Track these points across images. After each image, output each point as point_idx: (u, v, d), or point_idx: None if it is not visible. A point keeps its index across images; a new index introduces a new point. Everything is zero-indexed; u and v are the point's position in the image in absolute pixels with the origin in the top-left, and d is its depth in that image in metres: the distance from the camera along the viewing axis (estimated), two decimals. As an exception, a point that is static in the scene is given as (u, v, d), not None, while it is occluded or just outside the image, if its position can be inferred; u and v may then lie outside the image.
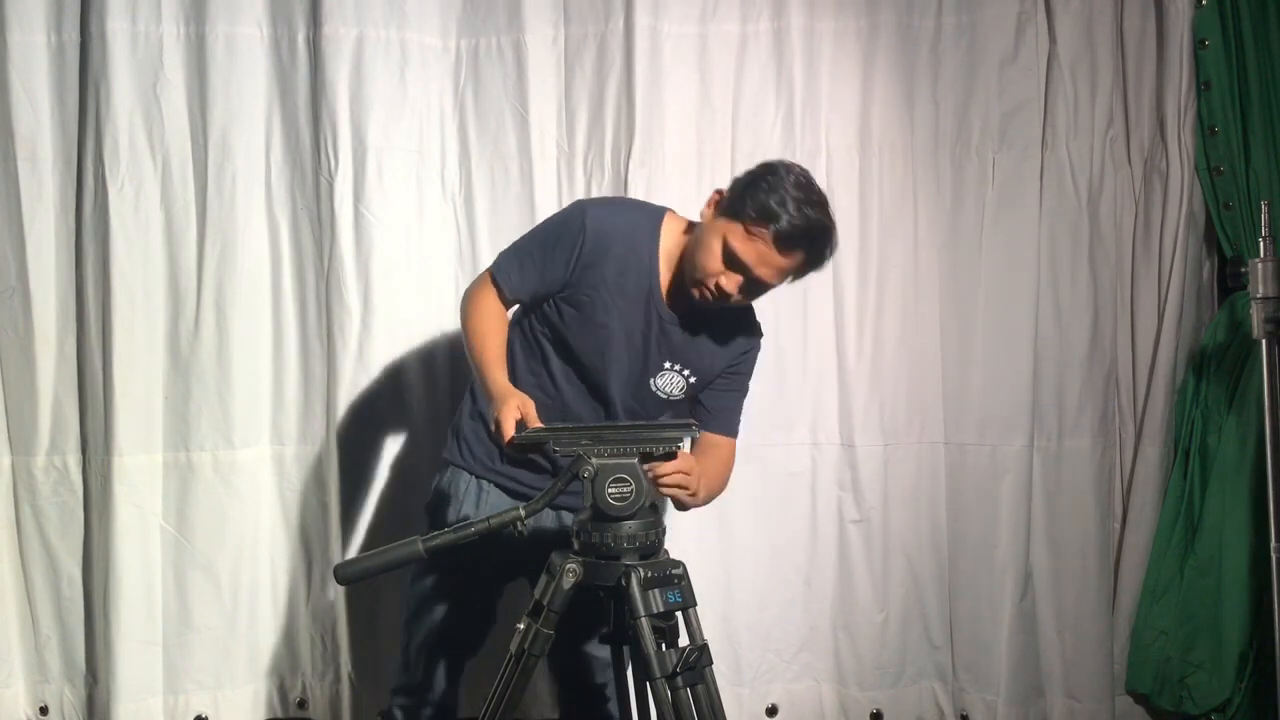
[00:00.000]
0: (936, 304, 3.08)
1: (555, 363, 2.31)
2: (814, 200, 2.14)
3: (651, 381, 2.30)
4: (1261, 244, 2.56)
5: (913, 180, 3.07)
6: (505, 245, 3.10)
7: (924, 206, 3.07)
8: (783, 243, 2.10)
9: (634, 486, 1.88)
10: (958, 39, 3.04)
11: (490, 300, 2.27)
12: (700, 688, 1.92)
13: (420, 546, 1.90)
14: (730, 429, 2.37)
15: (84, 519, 3.00)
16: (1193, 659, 3.02)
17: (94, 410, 2.97)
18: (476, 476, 2.35)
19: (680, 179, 3.02)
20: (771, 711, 3.11)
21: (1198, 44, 3.01)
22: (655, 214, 2.31)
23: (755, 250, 2.12)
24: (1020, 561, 3.04)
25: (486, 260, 3.03)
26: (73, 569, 3.01)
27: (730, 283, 2.14)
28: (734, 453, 2.38)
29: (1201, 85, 3.02)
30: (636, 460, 1.89)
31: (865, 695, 3.11)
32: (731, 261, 2.13)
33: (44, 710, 3.04)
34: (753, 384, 2.98)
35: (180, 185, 2.96)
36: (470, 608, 2.38)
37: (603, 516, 1.89)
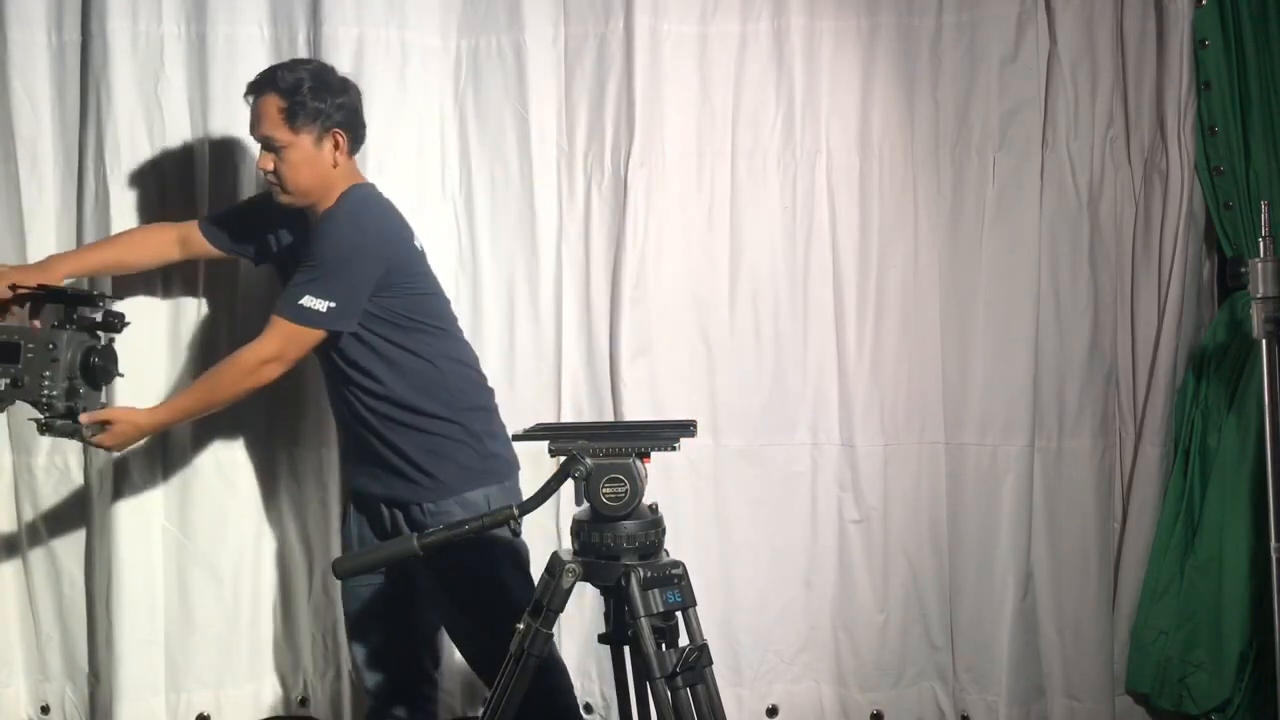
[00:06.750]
0: (936, 304, 3.08)
1: None
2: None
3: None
4: (1261, 244, 2.55)
5: (913, 180, 3.07)
6: (505, 244, 3.11)
7: (924, 206, 3.07)
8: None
9: (629, 487, 1.88)
10: (958, 39, 3.04)
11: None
12: (700, 688, 1.92)
13: (415, 543, 1.93)
14: (280, 307, 2.42)
15: (85, 518, 3.00)
16: (1193, 659, 3.01)
17: (94, 410, 2.97)
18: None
19: (680, 179, 3.02)
20: (772, 712, 3.11)
21: (1198, 44, 3.01)
22: None
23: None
24: (1020, 561, 3.04)
25: (486, 259, 3.06)
26: (74, 568, 3.01)
27: (263, 160, 2.47)
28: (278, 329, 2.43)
29: (1201, 85, 3.02)
30: (632, 460, 1.89)
31: (866, 696, 3.10)
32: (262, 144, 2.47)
33: (45, 709, 3.05)
34: (753, 383, 3.01)
35: (180, 185, 2.96)
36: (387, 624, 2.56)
37: (599, 517, 1.90)
